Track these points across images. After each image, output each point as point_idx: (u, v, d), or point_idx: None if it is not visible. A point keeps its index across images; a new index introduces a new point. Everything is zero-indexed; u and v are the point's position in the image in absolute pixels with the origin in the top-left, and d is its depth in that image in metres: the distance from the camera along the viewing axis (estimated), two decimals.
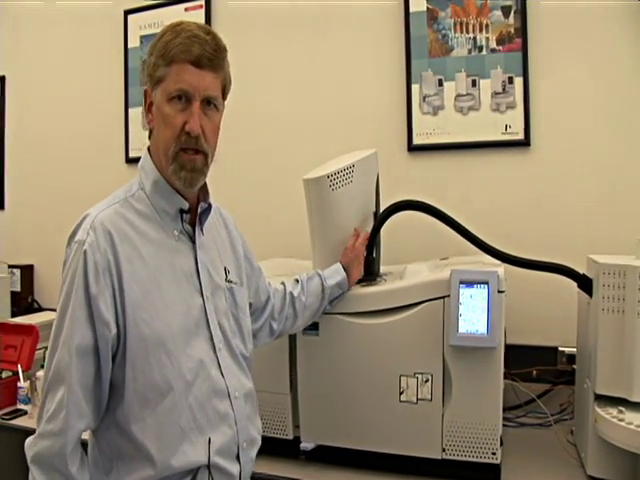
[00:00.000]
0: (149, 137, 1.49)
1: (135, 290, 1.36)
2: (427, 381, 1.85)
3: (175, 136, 1.40)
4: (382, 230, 2.09)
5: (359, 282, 2.05)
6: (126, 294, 1.35)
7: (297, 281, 1.93)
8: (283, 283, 1.93)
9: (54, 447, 1.31)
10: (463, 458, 1.86)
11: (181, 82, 1.39)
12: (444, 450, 1.87)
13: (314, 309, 1.91)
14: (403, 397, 1.86)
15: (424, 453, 1.87)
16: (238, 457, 1.49)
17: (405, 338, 1.87)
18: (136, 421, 1.36)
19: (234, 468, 1.48)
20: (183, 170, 1.43)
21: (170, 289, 1.42)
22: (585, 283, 1.92)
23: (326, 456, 2.00)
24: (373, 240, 2.06)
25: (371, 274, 2.07)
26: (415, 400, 1.86)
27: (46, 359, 1.37)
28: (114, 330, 1.34)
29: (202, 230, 1.53)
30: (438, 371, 1.85)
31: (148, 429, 1.36)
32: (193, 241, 1.50)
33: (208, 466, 1.41)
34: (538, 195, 2.47)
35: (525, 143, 2.47)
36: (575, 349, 2.21)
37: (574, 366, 2.22)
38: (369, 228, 2.07)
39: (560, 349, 2.38)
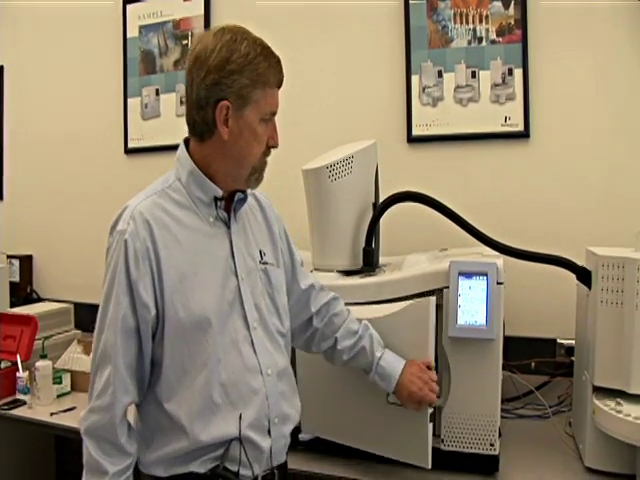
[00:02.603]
0: (195, 134, 1.52)
1: (172, 274, 1.45)
2: None
3: (263, 151, 1.53)
4: (381, 221, 2.10)
5: (358, 273, 2.04)
6: (164, 278, 1.44)
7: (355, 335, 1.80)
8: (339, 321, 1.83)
9: (104, 420, 1.43)
10: (462, 449, 1.86)
11: (273, 106, 1.52)
12: (443, 441, 1.87)
13: (350, 366, 1.82)
14: (391, 398, 1.81)
15: (412, 460, 1.80)
16: (269, 432, 1.53)
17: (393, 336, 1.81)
18: (173, 396, 1.46)
19: (265, 442, 1.53)
20: (261, 174, 1.56)
21: (206, 272, 1.49)
22: (584, 275, 1.91)
23: (324, 447, 1.98)
24: (372, 231, 2.05)
25: (370, 265, 2.06)
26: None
27: (93, 341, 1.47)
28: (153, 312, 1.44)
29: (235, 217, 1.58)
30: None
31: (184, 403, 1.45)
32: (228, 227, 1.56)
33: (240, 439, 1.47)
34: (537, 187, 2.46)
35: (524, 135, 2.46)
36: (574, 341, 2.20)
37: (572, 358, 2.22)
38: (368, 218, 2.06)
39: (559, 341, 2.38)
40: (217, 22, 2.92)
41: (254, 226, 1.67)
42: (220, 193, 1.53)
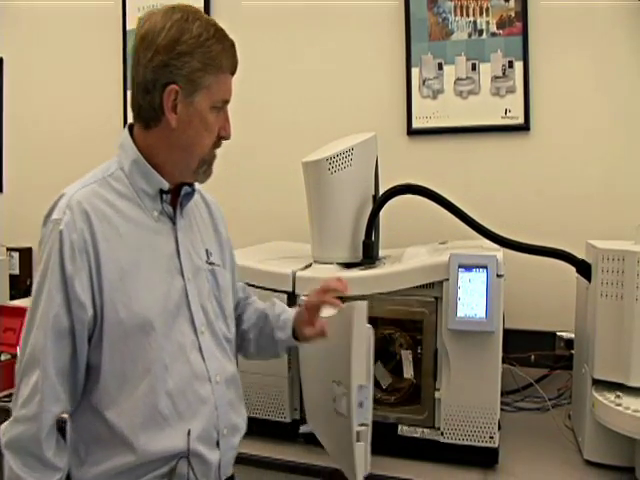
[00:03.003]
0: (140, 120, 1.42)
1: (113, 271, 1.33)
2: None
3: (213, 142, 1.43)
4: (381, 213, 2.09)
5: (358, 266, 2.04)
6: (103, 274, 1.32)
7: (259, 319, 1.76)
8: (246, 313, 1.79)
9: (29, 432, 1.28)
10: (461, 442, 1.86)
11: (227, 93, 1.43)
12: (442, 434, 1.87)
13: (268, 353, 1.76)
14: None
15: (347, 474, 1.68)
16: (218, 444, 1.45)
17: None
18: (112, 405, 1.34)
19: (214, 455, 1.44)
20: (209, 167, 1.46)
21: (150, 270, 1.38)
22: (584, 268, 1.91)
23: None
24: (372, 223, 2.04)
25: (370, 257, 2.05)
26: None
27: (21, 342, 1.33)
28: (91, 312, 1.31)
29: (182, 212, 1.48)
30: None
31: (124, 413, 1.33)
32: (173, 222, 1.46)
33: (188, 454, 1.37)
34: (537, 180, 2.45)
35: (525, 127, 2.45)
36: (573, 334, 2.20)
37: (572, 351, 2.22)
38: (368, 211, 2.05)
39: (558, 334, 2.37)
40: (217, 15, 2.91)
41: (200, 224, 1.57)
42: (166, 186, 1.42)
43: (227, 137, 1.45)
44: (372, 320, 1.95)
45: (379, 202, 2.05)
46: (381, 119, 2.63)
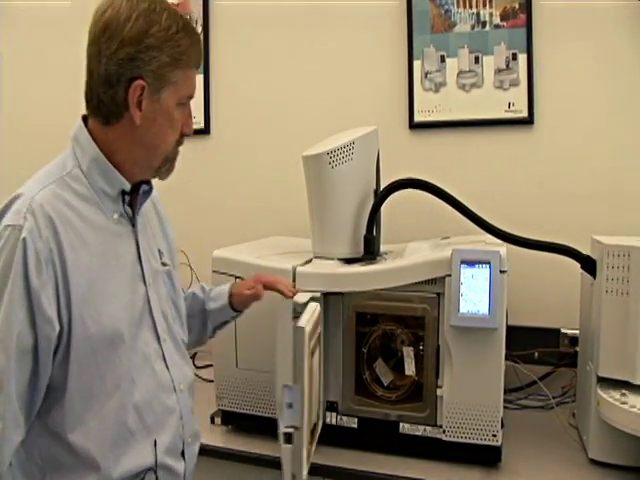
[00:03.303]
0: (98, 115, 1.33)
1: (81, 282, 1.24)
2: None
3: (177, 139, 1.39)
4: (382, 208, 2.06)
5: (359, 261, 2.02)
6: (71, 287, 1.22)
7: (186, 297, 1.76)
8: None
9: None
10: (463, 440, 1.84)
11: (193, 88, 1.39)
12: (444, 432, 1.85)
13: (197, 332, 1.75)
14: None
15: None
16: (183, 454, 1.43)
17: None
18: (78, 425, 1.26)
19: (180, 466, 1.42)
20: (172, 165, 1.42)
21: (115, 278, 1.32)
22: (589, 264, 1.89)
23: (325, 437, 1.95)
24: (373, 218, 2.02)
25: (371, 253, 2.03)
26: None
27: None
28: (57, 328, 1.21)
29: (139, 212, 1.43)
30: None
31: (92, 433, 1.26)
32: (133, 224, 1.40)
33: (155, 468, 1.34)
34: (542, 174, 2.42)
35: (529, 121, 2.42)
36: (578, 331, 2.18)
37: (576, 348, 2.19)
38: (369, 206, 2.03)
39: (562, 331, 2.34)
40: (216, 5, 2.88)
41: (151, 222, 1.52)
42: (128, 186, 1.36)
43: (189, 133, 1.40)
44: (373, 316, 1.97)
45: (380, 197, 2.03)
46: (382, 113, 2.60)
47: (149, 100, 1.30)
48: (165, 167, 1.40)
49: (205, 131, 2.91)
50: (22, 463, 1.29)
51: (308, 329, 1.56)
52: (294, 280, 1.94)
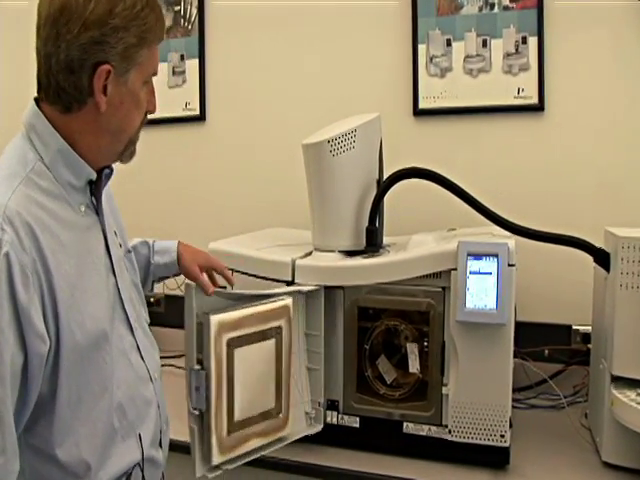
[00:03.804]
0: (58, 103, 1.27)
1: (64, 288, 1.20)
2: None
3: (142, 119, 1.35)
4: (385, 199, 2.05)
5: (361, 254, 2.01)
6: (57, 295, 1.18)
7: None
8: None
9: None
10: (470, 440, 1.83)
11: (156, 65, 1.34)
12: (450, 432, 1.85)
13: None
14: None
15: None
16: (161, 442, 1.45)
17: None
18: (67, 437, 1.23)
19: (160, 455, 1.45)
20: (135, 147, 1.39)
21: (92, 276, 1.29)
22: (602, 257, 1.87)
23: (325, 438, 1.97)
24: (376, 209, 2.01)
25: (373, 245, 2.02)
26: None
27: None
28: (48, 342, 1.17)
29: (101, 198, 1.39)
30: None
31: (82, 441, 1.24)
32: (97, 213, 1.36)
33: (142, 462, 1.35)
34: (552, 164, 2.40)
35: (539, 108, 2.40)
36: (590, 327, 2.16)
37: (589, 345, 2.18)
38: (372, 196, 2.02)
39: (574, 327, 2.34)
40: None
41: (105, 203, 1.45)
42: (94, 175, 1.31)
43: (154, 111, 1.37)
44: (376, 311, 1.97)
45: (383, 187, 2.01)
46: (385, 99, 2.59)
47: (115, 84, 1.26)
48: (128, 151, 1.37)
49: (200, 118, 2.89)
50: None
51: (217, 319, 1.62)
52: (293, 273, 1.94)
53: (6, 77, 3.23)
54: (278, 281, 1.97)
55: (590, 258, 1.92)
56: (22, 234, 1.14)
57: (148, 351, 1.44)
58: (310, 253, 2.06)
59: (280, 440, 1.83)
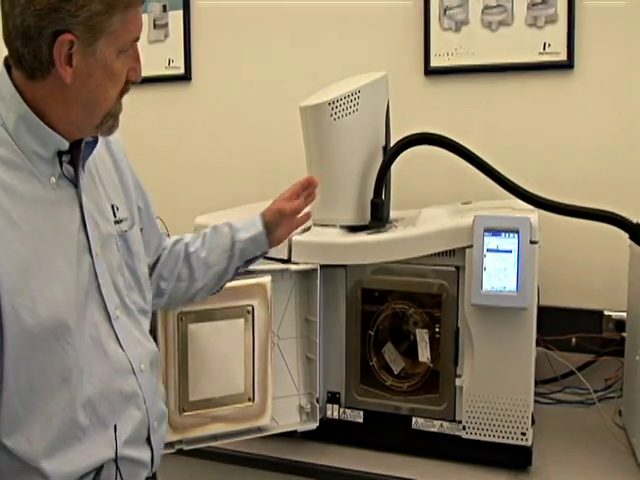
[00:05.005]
0: (20, 67, 1.26)
1: (11, 271, 1.19)
2: None
3: (120, 91, 1.33)
4: (393, 168, 2.05)
5: (365, 229, 2.01)
6: (0, 277, 1.18)
7: (198, 235, 1.79)
8: (179, 238, 1.80)
9: None
10: (487, 438, 1.84)
11: (136, 31, 1.30)
12: (464, 428, 1.85)
13: (220, 269, 1.75)
14: None
15: None
16: (149, 440, 1.44)
17: None
18: (17, 428, 1.24)
19: (146, 454, 1.43)
20: (116, 120, 1.37)
21: (55, 258, 1.27)
22: (639, 234, 1.87)
23: (325, 434, 1.99)
24: (382, 179, 2.01)
25: (379, 220, 2.02)
26: None
27: None
28: None
29: (83, 168, 1.37)
30: None
31: (36, 436, 1.25)
32: (75, 185, 1.34)
33: (115, 460, 1.34)
34: (582, 129, 2.38)
35: (568, 65, 2.37)
36: (625, 314, 2.17)
37: (623, 334, 2.17)
38: (377, 165, 2.02)
39: (606, 313, 2.32)
40: None
41: (102, 172, 1.46)
42: (66, 145, 1.30)
43: (137, 80, 1.34)
44: (382, 294, 1.97)
45: (390, 154, 2.01)
46: (393, 56, 2.57)
47: (81, 54, 1.23)
48: (107, 124, 1.34)
49: (185, 77, 2.88)
50: None
51: None
52: (290, 250, 1.96)
53: None
54: (272, 259, 1.96)
55: (625, 235, 1.92)
56: None
57: (134, 340, 1.43)
58: (308, 228, 2.07)
59: (260, 430, 1.87)
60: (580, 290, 2.39)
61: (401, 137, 2.02)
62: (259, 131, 2.81)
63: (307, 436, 1.97)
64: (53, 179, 1.30)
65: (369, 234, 1.98)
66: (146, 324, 1.52)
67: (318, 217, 2.08)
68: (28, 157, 1.26)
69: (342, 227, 2.05)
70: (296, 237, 1.96)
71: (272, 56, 2.78)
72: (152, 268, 1.69)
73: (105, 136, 1.40)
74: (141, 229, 1.58)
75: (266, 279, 1.82)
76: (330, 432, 1.98)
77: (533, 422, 1.82)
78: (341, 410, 2.01)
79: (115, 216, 1.45)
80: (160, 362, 1.57)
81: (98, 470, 1.32)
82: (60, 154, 1.31)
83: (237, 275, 1.79)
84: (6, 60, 1.28)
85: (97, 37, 1.22)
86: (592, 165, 2.39)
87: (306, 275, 1.96)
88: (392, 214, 2.14)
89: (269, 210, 1.77)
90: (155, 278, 1.71)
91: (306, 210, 1.80)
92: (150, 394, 1.44)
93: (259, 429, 1.87)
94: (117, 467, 1.34)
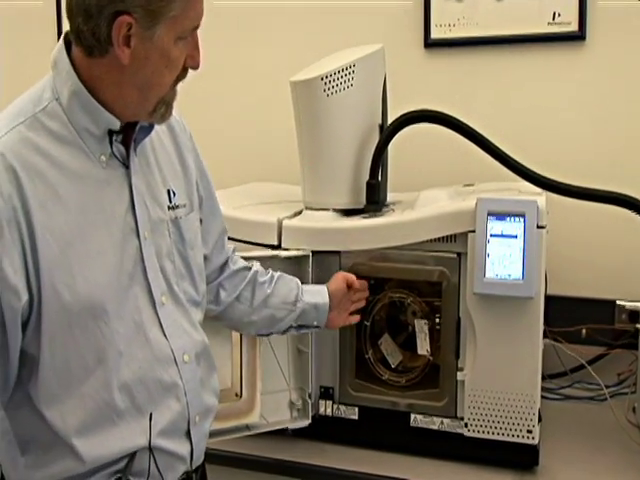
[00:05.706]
0: (79, 44, 1.34)
1: (52, 245, 1.28)
2: None
3: (176, 78, 1.40)
4: (390, 147, 2.05)
5: (359, 213, 2.02)
6: (40, 251, 1.27)
7: (267, 272, 1.87)
8: (249, 264, 1.86)
9: None
10: (490, 436, 1.85)
11: (196, 18, 1.37)
12: (466, 426, 1.86)
13: (275, 316, 1.84)
14: None
15: None
16: (189, 434, 1.47)
17: None
18: (53, 404, 1.33)
19: (184, 448, 1.47)
20: (169, 107, 1.43)
21: (99, 236, 1.35)
22: None
23: (318, 432, 2.01)
24: (378, 160, 2.00)
25: (375, 203, 2.02)
26: None
27: None
28: (25, 297, 1.27)
29: (136, 150, 1.44)
30: None
31: (69, 414, 1.33)
32: (127, 166, 1.42)
33: (149, 448, 1.39)
34: (594, 105, 2.38)
35: (579, 37, 2.36)
36: (639, 303, 2.17)
37: (637, 325, 2.15)
38: (373, 144, 2.01)
39: (619, 303, 2.31)
40: None
41: (161, 156, 1.53)
42: (117, 125, 1.36)
43: (195, 67, 1.42)
44: (378, 281, 1.97)
45: (387, 133, 2.01)
46: (391, 27, 2.56)
47: (139, 37, 1.30)
48: (161, 111, 1.40)
49: None
50: (6, 434, 1.39)
51: None
52: (280, 235, 1.98)
53: None
54: (261, 245, 1.99)
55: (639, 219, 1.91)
56: (3, 179, 1.24)
57: (179, 329, 1.48)
58: (300, 212, 2.08)
59: (248, 428, 1.90)
60: (591, 278, 2.39)
61: (399, 114, 2.01)
62: (246, 108, 2.83)
63: (299, 434, 1.99)
64: (103, 157, 1.37)
65: (364, 218, 1.99)
66: (197, 315, 1.56)
67: (310, 200, 2.10)
68: (79, 133, 1.34)
69: (335, 211, 2.06)
70: (287, 222, 1.98)
71: (261, 28, 2.79)
72: (214, 278, 1.77)
73: (158, 124, 1.46)
74: (200, 220, 1.64)
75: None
76: (323, 430, 1.99)
77: (540, 419, 1.83)
78: (335, 406, 2.02)
79: (170, 201, 1.51)
80: (211, 355, 1.60)
81: (131, 457, 1.38)
82: (111, 133, 1.37)
83: (284, 333, 1.89)
84: (66, 35, 1.35)
85: (156, 21, 1.29)
86: (604, 145, 2.38)
87: (297, 262, 1.96)
88: (389, 197, 2.15)
89: (334, 280, 1.92)
90: (215, 285, 1.78)
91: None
92: (193, 387, 1.48)
93: (247, 427, 1.89)
94: (151, 457, 1.40)
